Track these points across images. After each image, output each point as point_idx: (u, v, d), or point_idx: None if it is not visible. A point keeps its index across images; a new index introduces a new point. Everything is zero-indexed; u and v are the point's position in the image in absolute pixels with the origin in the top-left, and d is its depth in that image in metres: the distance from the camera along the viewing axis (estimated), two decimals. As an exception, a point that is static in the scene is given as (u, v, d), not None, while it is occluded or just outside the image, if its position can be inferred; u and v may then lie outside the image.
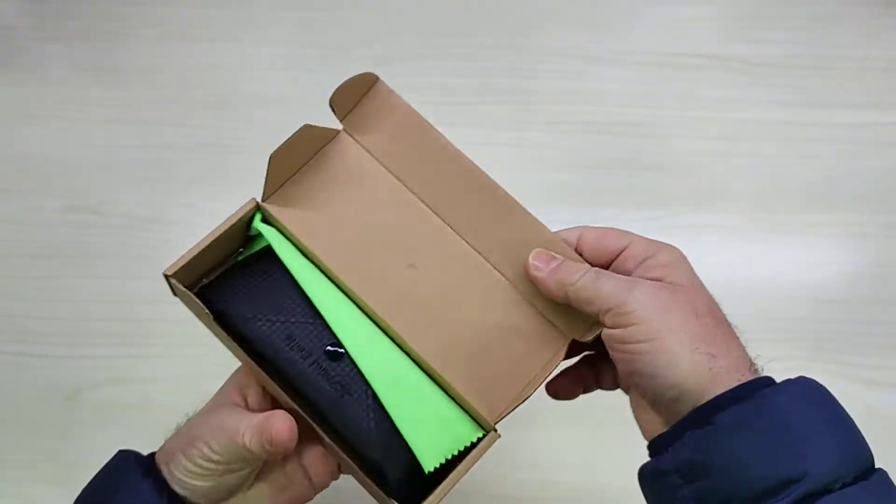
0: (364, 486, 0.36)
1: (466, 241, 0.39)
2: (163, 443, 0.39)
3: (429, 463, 0.35)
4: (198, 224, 0.66)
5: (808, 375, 0.32)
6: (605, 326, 0.34)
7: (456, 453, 0.36)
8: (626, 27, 0.74)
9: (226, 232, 0.37)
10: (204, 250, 0.37)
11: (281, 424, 0.34)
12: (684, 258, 0.36)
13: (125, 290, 0.64)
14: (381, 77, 0.40)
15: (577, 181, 0.68)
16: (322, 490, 0.41)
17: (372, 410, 0.36)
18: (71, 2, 0.75)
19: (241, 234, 0.40)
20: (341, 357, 0.36)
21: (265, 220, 0.40)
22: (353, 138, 0.39)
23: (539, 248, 0.37)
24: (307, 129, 0.38)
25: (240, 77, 0.72)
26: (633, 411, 0.36)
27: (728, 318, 0.35)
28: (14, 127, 0.70)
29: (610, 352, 0.34)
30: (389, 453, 0.36)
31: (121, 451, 0.39)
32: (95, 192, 0.67)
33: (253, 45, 0.73)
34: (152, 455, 0.38)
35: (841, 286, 0.65)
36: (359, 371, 0.36)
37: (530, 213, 0.38)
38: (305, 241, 0.39)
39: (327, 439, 0.36)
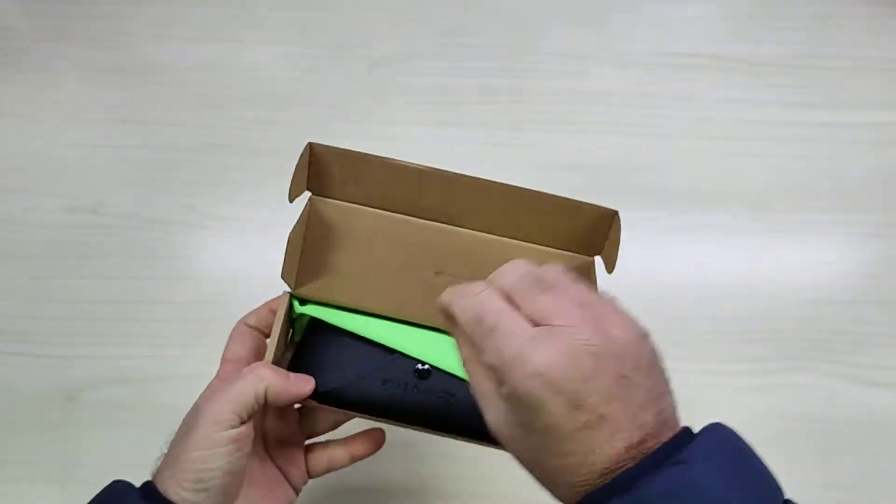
0: None
1: (471, 229, 0.43)
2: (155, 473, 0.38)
3: None
4: (197, 224, 0.67)
5: (719, 422, 0.29)
6: None
7: None
8: (626, 27, 0.74)
9: (280, 332, 0.41)
10: (274, 358, 0.41)
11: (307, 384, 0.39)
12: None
13: (125, 290, 0.64)
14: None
15: (576, 181, 0.68)
16: (301, 489, 0.44)
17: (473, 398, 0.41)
18: (71, 2, 0.75)
19: (289, 320, 0.43)
20: (429, 372, 0.41)
21: (301, 301, 0.43)
22: (324, 198, 0.43)
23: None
24: (291, 235, 0.41)
25: (240, 77, 0.72)
26: None
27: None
28: (14, 127, 0.70)
29: None
30: None
31: (114, 481, 0.38)
32: (95, 192, 0.67)
33: (253, 45, 0.73)
34: (147, 483, 0.38)
35: (841, 286, 0.65)
36: (446, 374, 0.41)
37: (505, 183, 0.42)
38: (346, 302, 0.42)
39: (461, 440, 0.41)
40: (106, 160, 0.69)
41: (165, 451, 0.38)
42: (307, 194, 0.44)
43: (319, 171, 0.42)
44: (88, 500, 0.38)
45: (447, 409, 0.41)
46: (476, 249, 0.43)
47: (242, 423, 0.37)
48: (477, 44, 0.73)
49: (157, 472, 0.37)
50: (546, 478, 0.30)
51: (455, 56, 0.73)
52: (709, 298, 0.64)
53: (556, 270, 0.31)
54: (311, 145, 0.41)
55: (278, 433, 0.44)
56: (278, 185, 0.67)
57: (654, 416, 0.28)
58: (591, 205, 0.42)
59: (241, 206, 0.67)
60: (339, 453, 0.44)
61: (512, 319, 0.29)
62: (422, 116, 0.70)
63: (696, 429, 0.29)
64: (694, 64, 0.73)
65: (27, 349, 0.62)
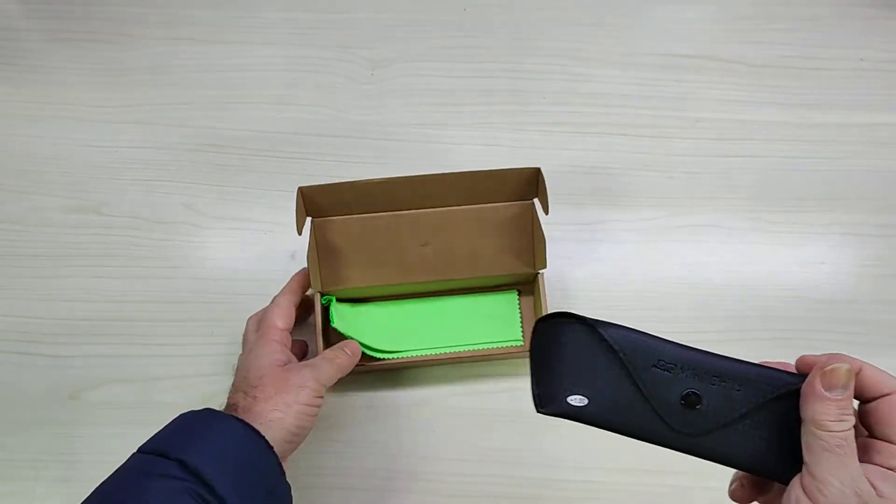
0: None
1: (437, 208, 0.60)
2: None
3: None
4: (197, 224, 0.67)
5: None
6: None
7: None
8: (626, 29, 0.75)
9: (319, 324, 0.59)
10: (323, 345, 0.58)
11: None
12: None
13: (127, 290, 0.64)
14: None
15: (576, 182, 0.69)
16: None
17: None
18: (73, 3, 0.75)
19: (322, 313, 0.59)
20: (698, 401, 0.37)
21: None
22: (322, 218, 0.59)
23: (823, 373, 0.37)
24: (308, 254, 0.57)
25: (240, 77, 0.72)
26: None
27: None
28: (16, 127, 0.70)
29: None
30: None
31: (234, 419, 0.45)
32: (96, 192, 0.68)
33: (253, 46, 0.73)
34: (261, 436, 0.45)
35: (839, 286, 0.65)
36: (688, 378, 0.38)
37: (453, 172, 0.57)
38: (365, 283, 0.60)
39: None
40: (108, 160, 0.69)
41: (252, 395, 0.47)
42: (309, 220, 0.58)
43: (314, 202, 0.57)
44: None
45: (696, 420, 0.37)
46: (445, 220, 0.60)
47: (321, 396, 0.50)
48: (477, 45, 0.74)
49: (257, 415, 0.46)
50: None
51: (455, 57, 0.73)
52: (707, 298, 0.64)
53: None
54: (300, 189, 0.56)
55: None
56: (278, 186, 0.68)
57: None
58: (517, 168, 0.57)
59: (241, 206, 0.67)
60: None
61: None
62: (422, 117, 0.70)
63: None
64: (693, 65, 0.73)
65: (30, 349, 0.63)
